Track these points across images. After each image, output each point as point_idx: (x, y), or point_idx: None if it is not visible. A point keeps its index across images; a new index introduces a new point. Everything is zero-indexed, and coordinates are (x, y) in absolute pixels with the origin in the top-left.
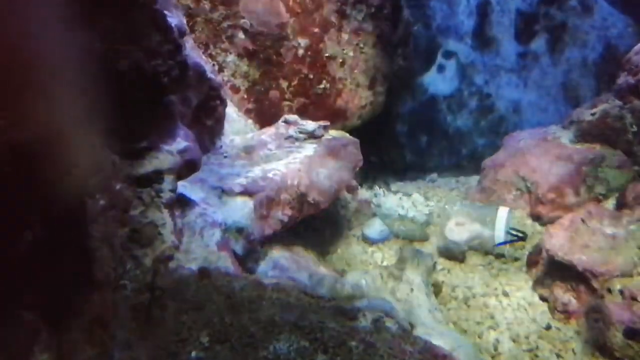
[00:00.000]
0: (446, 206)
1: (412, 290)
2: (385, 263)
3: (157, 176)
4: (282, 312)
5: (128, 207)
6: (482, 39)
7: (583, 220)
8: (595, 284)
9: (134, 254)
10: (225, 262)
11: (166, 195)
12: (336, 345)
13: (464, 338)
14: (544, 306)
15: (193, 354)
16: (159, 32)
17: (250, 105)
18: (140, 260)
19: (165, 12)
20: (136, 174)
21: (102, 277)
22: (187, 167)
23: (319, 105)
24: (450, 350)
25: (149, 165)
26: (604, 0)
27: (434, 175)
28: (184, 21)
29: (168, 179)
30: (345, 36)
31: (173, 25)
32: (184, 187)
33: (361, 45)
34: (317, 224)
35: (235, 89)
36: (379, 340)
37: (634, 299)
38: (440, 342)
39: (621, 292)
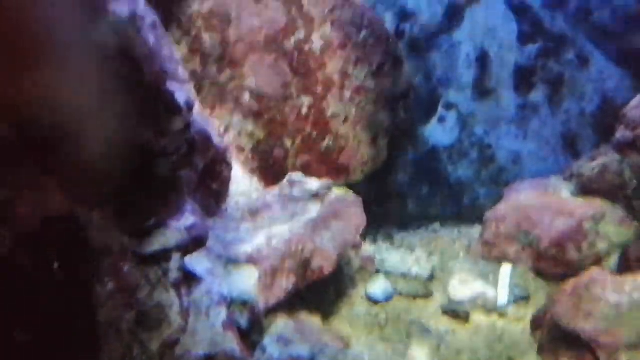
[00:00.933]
0: (449, 264)
1: None
2: (389, 326)
3: (164, 255)
4: None
5: (135, 290)
6: (481, 90)
7: (586, 287)
8: (601, 355)
9: (141, 339)
10: (231, 343)
11: (173, 275)
12: None
13: None
14: None
15: None
16: (167, 112)
17: (255, 165)
18: (146, 345)
19: (174, 89)
20: (144, 252)
21: None
22: (194, 244)
23: (323, 162)
24: None
25: (157, 243)
26: (600, 54)
27: (437, 225)
28: (192, 94)
29: (175, 257)
30: (347, 94)
31: (182, 102)
32: (190, 258)
33: (363, 102)
34: (321, 285)
35: (241, 149)
36: None
37: None
38: None
39: None
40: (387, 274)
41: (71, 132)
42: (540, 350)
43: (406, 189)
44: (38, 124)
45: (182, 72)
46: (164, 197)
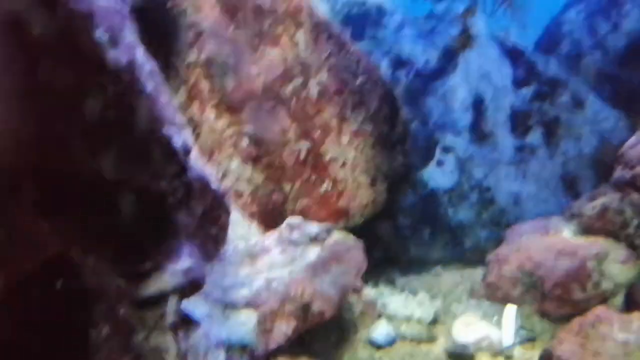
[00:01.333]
0: (452, 307)
1: None
2: None
3: (161, 298)
4: None
5: (132, 333)
6: (478, 133)
7: (592, 325)
8: None
9: None
10: None
11: (170, 318)
12: None
13: None
14: None
15: None
16: (164, 156)
17: (254, 209)
18: None
19: (171, 133)
20: (140, 296)
21: None
22: (192, 287)
23: (322, 206)
24: None
25: (153, 286)
26: (595, 96)
27: (439, 269)
28: (190, 138)
29: (172, 300)
30: (345, 138)
31: (178, 146)
32: (187, 302)
33: (361, 146)
34: (322, 330)
35: (239, 194)
36: None
37: None
38: None
39: None
40: (390, 318)
41: (66, 175)
42: None
43: (407, 232)
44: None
45: (180, 118)
46: (160, 241)
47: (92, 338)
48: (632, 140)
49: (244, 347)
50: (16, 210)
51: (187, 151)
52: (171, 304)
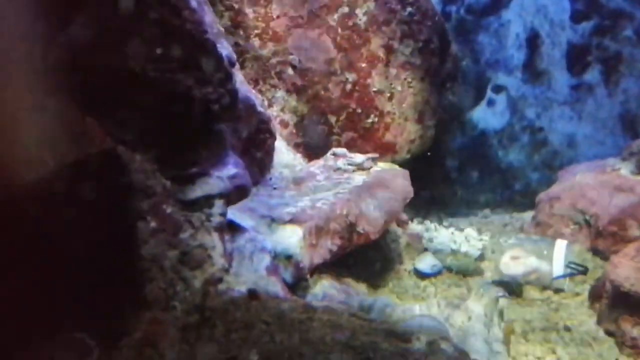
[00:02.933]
0: (500, 240)
1: (469, 318)
2: (438, 297)
3: (207, 201)
4: (332, 333)
5: (178, 230)
6: (532, 72)
7: None
8: None
9: (184, 276)
10: (275, 287)
11: (216, 219)
12: None
13: None
14: (610, 341)
15: None
16: (209, 61)
17: (299, 140)
18: (190, 282)
19: (216, 42)
20: (187, 198)
21: (153, 297)
22: (237, 193)
23: (368, 139)
24: None
25: (200, 190)
26: None
27: (487, 211)
28: (233, 53)
29: (218, 203)
30: (393, 71)
31: (224, 55)
32: (234, 215)
33: (409, 79)
34: (367, 257)
35: (284, 124)
36: None
37: None
38: None
39: None
40: (436, 251)
41: (114, 74)
42: (600, 320)
43: (455, 174)
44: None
45: (224, 39)
46: (206, 147)
47: (141, 230)
48: None
49: (288, 258)
50: (63, 103)
51: (232, 62)
52: (217, 207)
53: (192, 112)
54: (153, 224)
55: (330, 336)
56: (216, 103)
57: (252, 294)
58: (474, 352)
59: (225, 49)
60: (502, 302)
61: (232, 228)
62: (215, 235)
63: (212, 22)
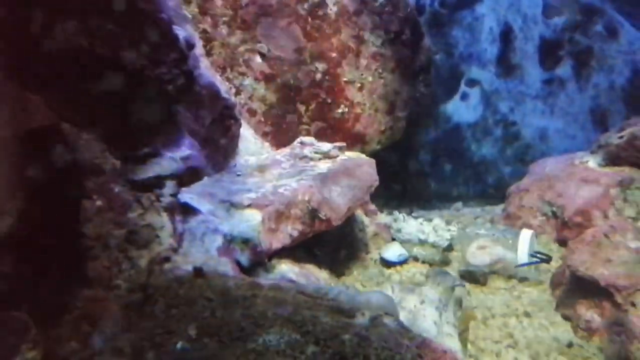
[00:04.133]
0: (468, 230)
1: (422, 302)
2: (393, 282)
3: (158, 181)
4: (275, 308)
5: (126, 210)
6: (505, 66)
7: (606, 235)
8: (619, 299)
9: (130, 255)
10: (225, 267)
11: (166, 200)
12: (328, 338)
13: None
14: (566, 325)
15: (179, 344)
16: (163, 41)
17: (267, 129)
18: (135, 261)
19: (173, 24)
20: (137, 178)
21: (95, 275)
22: (190, 174)
23: (337, 130)
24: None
25: (151, 170)
26: (630, 25)
27: (459, 204)
28: (194, 35)
29: (169, 184)
30: (363, 61)
31: (181, 36)
32: (192, 199)
33: (380, 70)
34: (332, 245)
35: (252, 112)
36: (374, 334)
37: None
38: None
39: None
40: (403, 241)
41: (57, 49)
42: (558, 305)
43: (428, 167)
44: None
45: (186, 16)
46: (160, 128)
47: (85, 208)
48: None
49: (245, 241)
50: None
51: (190, 44)
52: (168, 187)
53: (145, 92)
54: (99, 203)
55: (273, 311)
56: (170, 84)
57: (198, 271)
58: (421, 330)
59: (184, 31)
60: (460, 290)
61: (185, 210)
62: (164, 216)
63: (176, 6)
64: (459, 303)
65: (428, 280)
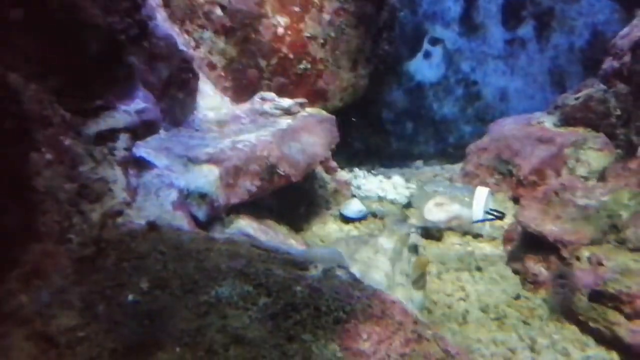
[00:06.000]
0: (425, 187)
1: (375, 253)
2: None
3: (111, 135)
4: (229, 261)
5: (78, 163)
6: (468, 25)
7: (556, 192)
8: (564, 253)
9: (82, 209)
10: (180, 222)
11: (120, 154)
12: (280, 290)
13: (418, 293)
14: (516, 279)
15: (130, 297)
16: None
17: (227, 84)
18: (87, 215)
19: None
20: (89, 131)
21: (46, 230)
22: (145, 127)
23: (299, 85)
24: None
25: (104, 123)
26: None
27: (420, 163)
28: None
29: (123, 137)
30: (326, 17)
31: None
32: (148, 153)
33: (343, 26)
34: (292, 201)
35: (212, 66)
36: (326, 286)
37: (600, 264)
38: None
39: (589, 258)
40: (363, 198)
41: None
42: (509, 260)
43: (390, 126)
44: None
45: None
46: (112, 80)
47: (33, 162)
48: (625, 30)
49: (202, 196)
50: None
51: None
52: (122, 140)
53: (97, 43)
54: (49, 156)
55: (226, 264)
56: (122, 33)
57: (151, 225)
58: (373, 282)
59: None
60: (415, 237)
61: (140, 164)
62: (118, 170)
63: None
64: (413, 249)
65: (385, 230)
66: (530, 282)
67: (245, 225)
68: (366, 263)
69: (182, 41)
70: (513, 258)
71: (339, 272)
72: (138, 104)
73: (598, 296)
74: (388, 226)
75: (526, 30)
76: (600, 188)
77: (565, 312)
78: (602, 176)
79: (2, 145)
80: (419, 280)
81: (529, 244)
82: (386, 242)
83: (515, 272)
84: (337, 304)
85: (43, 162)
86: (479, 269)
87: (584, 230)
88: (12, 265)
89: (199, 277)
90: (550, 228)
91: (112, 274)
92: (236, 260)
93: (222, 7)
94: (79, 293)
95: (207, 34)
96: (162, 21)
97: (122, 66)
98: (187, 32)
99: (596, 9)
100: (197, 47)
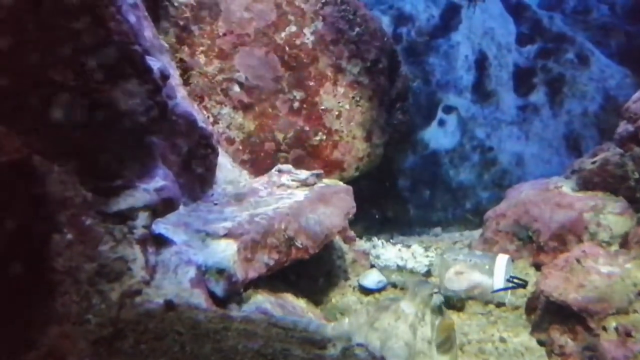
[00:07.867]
0: (444, 255)
1: (396, 320)
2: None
3: (130, 213)
4: (246, 342)
5: (97, 243)
6: (481, 92)
7: (578, 260)
8: (591, 324)
9: (101, 289)
10: (198, 299)
11: (139, 232)
12: None
13: (444, 358)
14: (541, 350)
15: None
16: (136, 72)
17: (245, 157)
18: (106, 295)
19: (147, 55)
20: (109, 210)
21: (64, 311)
22: (164, 205)
23: (315, 157)
24: None
25: (123, 202)
26: (601, 53)
27: (438, 229)
28: (170, 65)
29: (142, 215)
30: (341, 89)
31: (155, 67)
32: (167, 229)
33: (357, 98)
34: (311, 273)
35: (230, 141)
36: None
37: (628, 335)
38: None
39: (616, 329)
40: (382, 268)
41: (26, 81)
42: (533, 330)
43: (407, 194)
44: None
45: (164, 53)
46: (133, 159)
47: (55, 242)
48: (638, 94)
49: (220, 272)
50: None
51: (164, 75)
52: (141, 219)
53: (118, 124)
54: (69, 236)
55: (243, 345)
56: (144, 115)
57: (169, 305)
58: (392, 353)
59: (158, 61)
60: (438, 297)
61: (158, 241)
62: (137, 248)
63: (152, 36)
64: (438, 310)
65: (407, 293)
66: (557, 354)
67: (262, 300)
68: (386, 331)
69: (202, 118)
70: (537, 328)
71: (358, 351)
72: (157, 182)
73: None
74: (410, 289)
75: (538, 96)
76: (623, 255)
77: None
78: (624, 241)
79: (25, 227)
80: (444, 344)
81: (553, 313)
82: (408, 306)
83: (541, 343)
84: None
85: (64, 242)
86: (502, 340)
87: (610, 299)
88: (29, 347)
89: (216, 358)
90: (574, 297)
91: (129, 356)
92: (254, 341)
93: (240, 84)
94: None
95: (226, 110)
96: (182, 99)
97: (143, 146)
98: (206, 108)
99: (607, 74)
100: (215, 122)
